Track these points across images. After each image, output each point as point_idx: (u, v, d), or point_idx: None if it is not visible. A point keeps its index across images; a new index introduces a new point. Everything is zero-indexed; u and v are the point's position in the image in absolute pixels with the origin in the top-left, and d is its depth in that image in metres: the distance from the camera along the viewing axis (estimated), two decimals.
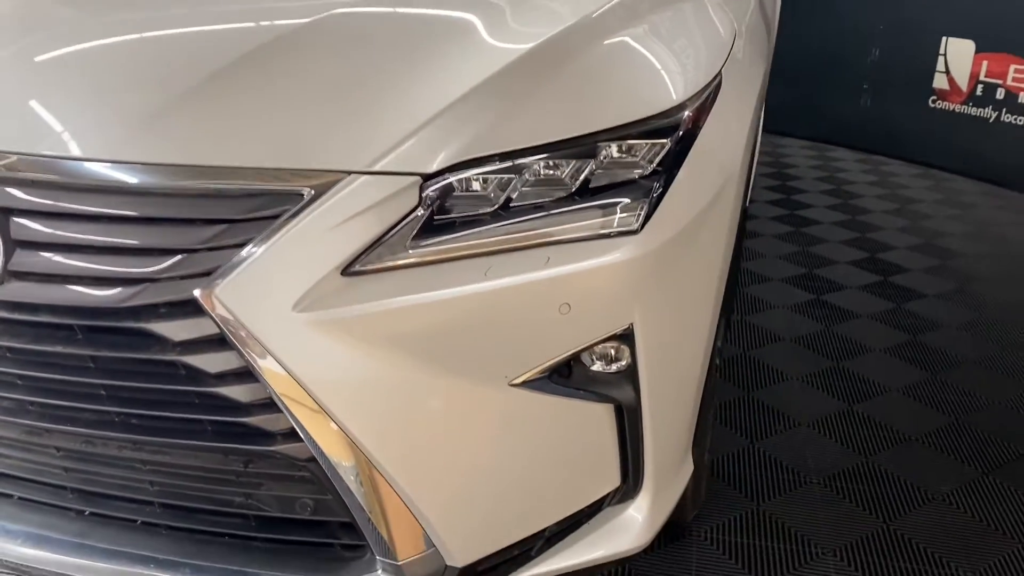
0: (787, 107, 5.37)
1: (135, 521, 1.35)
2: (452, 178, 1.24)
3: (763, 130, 5.00)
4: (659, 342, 1.35)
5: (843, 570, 1.92)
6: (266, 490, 1.29)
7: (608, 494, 1.43)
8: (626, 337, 1.31)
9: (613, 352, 1.34)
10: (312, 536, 1.31)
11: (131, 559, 1.30)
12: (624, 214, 1.28)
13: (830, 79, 5.50)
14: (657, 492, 1.45)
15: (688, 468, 1.60)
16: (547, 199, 1.28)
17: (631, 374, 1.33)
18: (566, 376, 1.31)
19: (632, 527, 1.43)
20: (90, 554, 1.33)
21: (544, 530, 1.37)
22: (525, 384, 1.26)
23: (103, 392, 1.24)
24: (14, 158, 1.22)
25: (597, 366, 1.34)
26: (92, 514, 1.37)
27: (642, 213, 1.28)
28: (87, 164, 1.20)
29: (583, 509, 1.41)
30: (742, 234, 2.31)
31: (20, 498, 1.42)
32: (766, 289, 3.37)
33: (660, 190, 1.31)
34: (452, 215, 1.25)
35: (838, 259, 3.70)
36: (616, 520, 1.43)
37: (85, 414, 1.27)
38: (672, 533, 2.00)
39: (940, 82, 5.00)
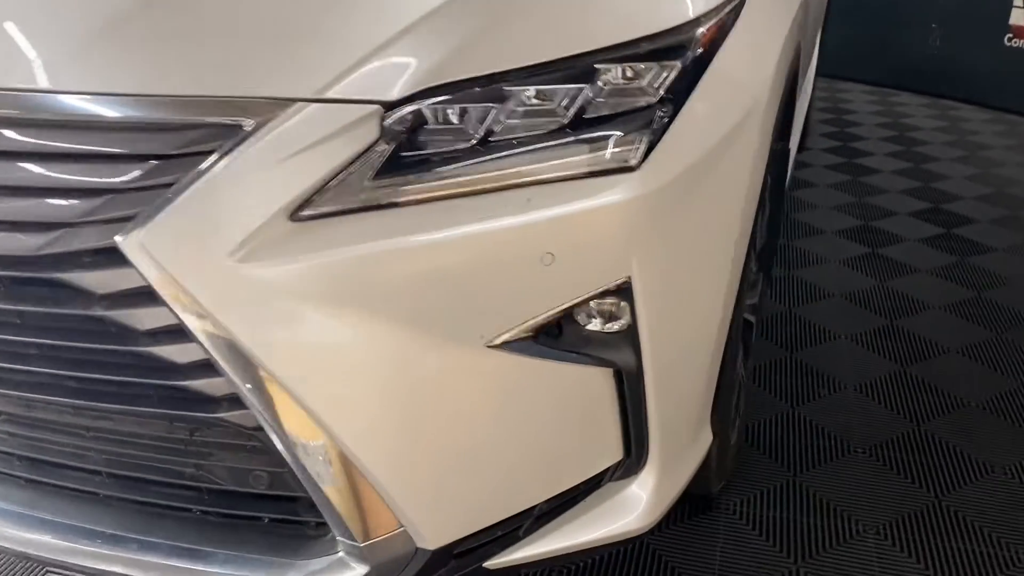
0: (848, 49, 5.04)
1: (87, 492, 1.23)
2: (420, 106, 1.08)
3: (821, 74, 4.70)
4: (664, 298, 1.18)
5: (886, 550, 1.74)
6: (217, 461, 1.15)
7: (609, 468, 1.27)
8: (623, 292, 1.14)
9: (612, 310, 1.17)
10: (271, 512, 1.18)
11: (77, 533, 1.19)
12: (620, 148, 1.10)
13: (895, 18, 5.13)
14: (665, 467, 1.28)
15: (705, 439, 1.43)
16: (536, 132, 1.11)
17: (631, 335, 1.16)
18: (555, 336, 1.15)
19: (635, 505, 1.27)
20: (35, 527, 1.22)
21: (533, 508, 1.22)
22: (505, 345, 1.10)
23: (34, 351, 1.11)
24: None
25: (593, 325, 1.17)
26: (41, 483, 1.26)
27: (641, 147, 1.10)
28: (1, 94, 1.06)
29: (579, 485, 1.25)
30: (779, 177, 2.10)
31: None
32: (817, 242, 3.14)
33: (665, 120, 1.13)
34: (422, 151, 1.09)
35: (898, 210, 3.44)
36: (617, 497, 1.27)
37: (18, 375, 1.15)
38: (697, 506, 1.84)
39: (1017, 18, 4.62)
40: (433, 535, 1.14)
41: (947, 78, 4.99)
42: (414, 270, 1.05)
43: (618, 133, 1.10)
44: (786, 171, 2.12)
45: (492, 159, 1.09)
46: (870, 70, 5.30)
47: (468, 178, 1.08)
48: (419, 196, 1.07)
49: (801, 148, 4.04)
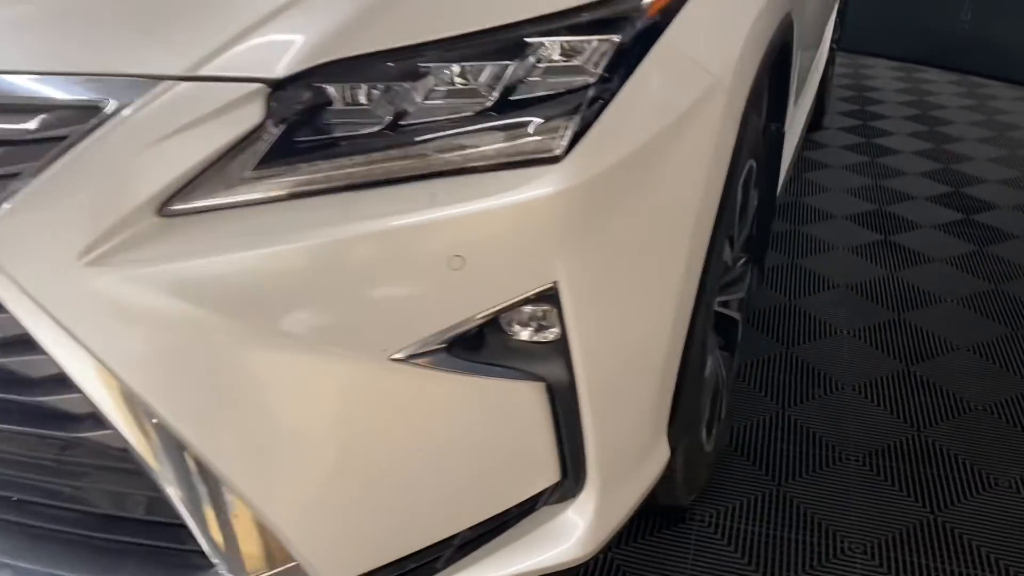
0: (873, 23, 4.80)
1: None
2: (317, 85, 0.94)
3: (845, 50, 4.50)
4: (600, 305, 1.04)
5: (873, 571, 1.59)
6: (93, 482, 1.04)
7: (544, 491, 1.13)
8: (550, 300, 1.00)
9: (539, 318, 1.03)
10: (155, 538, 1.05)
11: None
12: (542, 136, 0.96)
13: None
14: (607, 490, 1.15)
15: (660, 456, 1.29)
16: (454, 116, 0.97)
17: (561, 346, 1.03)
18: (475, 348, 1.01)
19: (570, 533, 1.13)
20: None
21: (454, 537, 1.09)
22: (413, 359, 0.97)
23: None
24: None
25: (519, 335, 1.04)
26: None
27: (567, 133, 0.96)
28: None
29: (510, 509, 1.12)
30: (770, 160, 1.94)
31: None
32: (826, 228, 2.96)
33: (600, 103, 0.98)
34: (319, 136, 0.95)
35: (915, 193, 3.25)
36: (552, 523, 1.14)
37: None
38: (668, 517, 1.70)
39: None
40: (331, 570, 1.01)
41: (978, 54, 4.75)
42: (301, 274, 0.92)
43: (540, 119, 0.96)
44: (779, 154, 1.96)
45: (398, 147, 0.96)
46: (897, 45, 5.06)
47: (367, 168, 0.95)
48: (309, 188, 0.93)
49: (816, 127, 3.85)
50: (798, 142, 2.53)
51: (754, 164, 1.67)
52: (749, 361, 2.20)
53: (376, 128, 0.96)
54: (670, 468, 1.46)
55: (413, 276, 0.93)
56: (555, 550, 1.12)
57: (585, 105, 0.97)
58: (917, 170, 3.47)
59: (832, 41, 3.71)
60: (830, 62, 3.79)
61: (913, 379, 2.14)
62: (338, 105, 0.96)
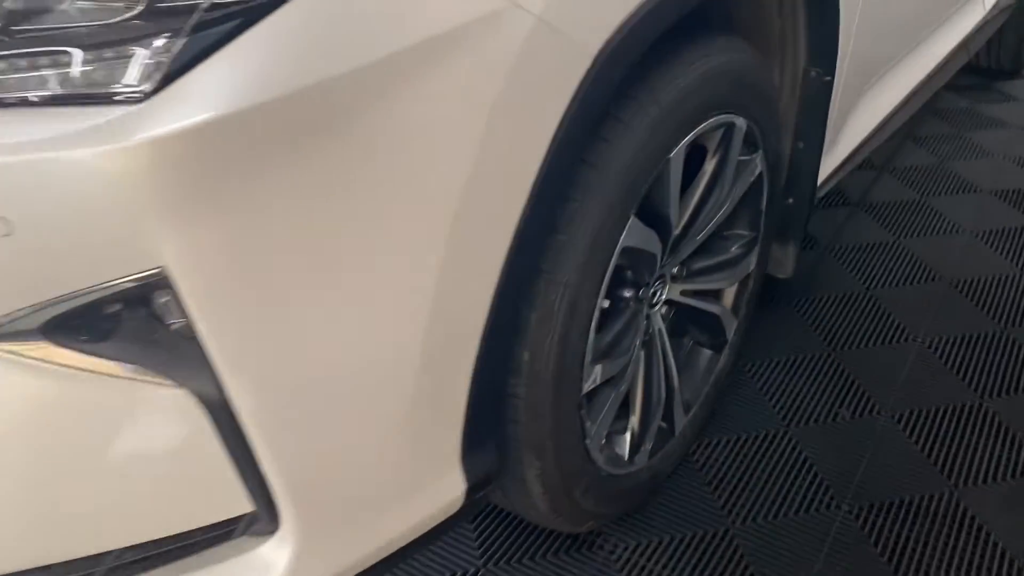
0: None
1: None
2: None
3: None
4: (259, 303, 0.76)
5: None
6: None
7: (243, 516, 0.90)
8: (168, 290, 0.74)
9: (167, 310, 0.78)
10: None
11: None
12: (128, 63, 0.68)
13: None
14: (316, 531, 0.89)
15: (444, 490, 0.99)
16: (85, 24, 0.72)
17: (196, 350, 0.77)
18: (95, 337, 0.78)
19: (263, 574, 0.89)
20: None
21: (107, 553, 0.88)
22: None
23: None
24: None
25: (164, 328, 0.79)
26: None
27: (163, 60, 0.68)
28: None
29: (193, 532, 0.89)
30: (809, 116, 1.51)
31: None
32: (963, 203, 2.39)
33: (237, 19, 0.69)
34: None
35: None
36: (242, 559, 0.90)
37: None
38: (576, 540, 1.40)
39: None
40: None
41: None
42: None
43: (143, 37, 0.68)
44: (824, 108, 1.51)
45: None
46: None
47: None
48: None
49: (1011, 74, 3.15)
50: (906, 96, 2.00)
51: (739, 121, 1.28)
52: (777, 360, 1.79)
53: None
54: (528, 495, 1.18)
55: None
56: None
57: (197, 22, 0.67)
58: None
59: None
60: None
61: (982, 416, 1.66)
62: None
